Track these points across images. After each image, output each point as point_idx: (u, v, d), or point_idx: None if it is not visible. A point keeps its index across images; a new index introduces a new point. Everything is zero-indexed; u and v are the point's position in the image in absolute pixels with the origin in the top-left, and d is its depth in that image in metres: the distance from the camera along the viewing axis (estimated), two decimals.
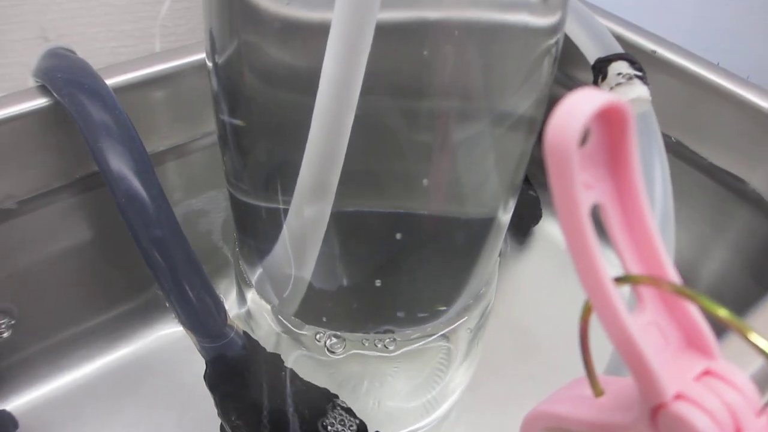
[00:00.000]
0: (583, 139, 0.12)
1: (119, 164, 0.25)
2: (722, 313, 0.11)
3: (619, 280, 0.12)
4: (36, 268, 0.32)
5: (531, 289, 0.39)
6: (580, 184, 0.11)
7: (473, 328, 0.28)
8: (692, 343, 0.13)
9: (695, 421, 0.11)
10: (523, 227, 0.42)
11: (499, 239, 0.26)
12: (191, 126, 0.34)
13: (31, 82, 0.29)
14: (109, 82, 0.29)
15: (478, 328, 0.29)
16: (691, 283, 0.38)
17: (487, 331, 0.30)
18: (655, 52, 0.35)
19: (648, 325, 0.13)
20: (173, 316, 0.24)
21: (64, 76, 0.27)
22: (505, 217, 0.26)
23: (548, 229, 0.43)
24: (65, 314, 0.34)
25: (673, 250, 0.18)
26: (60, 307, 0.34)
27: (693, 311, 0.13)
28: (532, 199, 0.42)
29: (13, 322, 0.32)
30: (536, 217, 0.42)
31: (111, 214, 0.33)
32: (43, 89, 0.28)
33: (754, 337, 0.11)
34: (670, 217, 0.19)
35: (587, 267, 0.12)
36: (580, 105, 0.11)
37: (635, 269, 0.13)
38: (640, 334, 0.12)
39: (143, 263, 0.24)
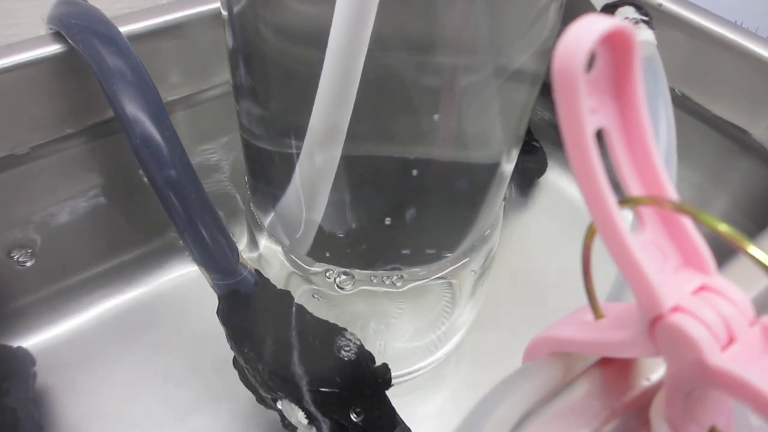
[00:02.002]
0: (589, 65, 0.12)
1: (133, 107, 0.25)
2: (722, 227, 0.12)
3: (622, 202, 0.13)
4: (50, 213, 0.33)
5: (535, 237, 0.40)
6: (585, 108, 0.12)
7: (478, 269, 0.29)
8: (690, 261, 0.13)
9: (691, 330, 0.12)
10: (527, 179, 0.43)
11: (502, 186, 0.27)
12: (201, 77, 0.34)
13: (44, 31, 0.29)
14: (122, 30, 0.29)
15: (482, 271, 0.29)
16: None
17: (491, 275, 0.31)
18: (661, 5, 0.35)
19: (648, 244, 0.13)
20: (187, 255, 0.25)
21: (78, 23, 0.27)
22: (509, 166, 0.26)
23: (552, 181, 0.43)
24: (80, 257, 0.35)
25: (674, 184, 0.19)
26: (75, 251, 0.34)
27: (691, 231, 0.13)
28: (537, 152, 0.42)
29: (31, 252, 0.33)
30: (541, 169, 0.43)
31: (124, 161, 0.33)
32: (57, 36, 0.29)
33: (753, 250, 0.12)
34: (673, 156, 0.19)
35: (591, 188, 0.12)
36: (587, 30, 0.11)
37: (637, 192, 0.13)
38: (641, 252, 0.12)
39: (155, 209, 0.25)
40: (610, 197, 0.12)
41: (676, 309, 0.12)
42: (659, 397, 0.14)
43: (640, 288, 0.12)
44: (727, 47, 0.33)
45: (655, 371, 0.15)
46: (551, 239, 0.40)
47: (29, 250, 0.33)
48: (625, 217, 0.13)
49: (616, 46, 0.12)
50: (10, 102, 0.29)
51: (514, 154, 0.26)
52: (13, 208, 0.32)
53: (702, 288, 0.13)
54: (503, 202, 0.29)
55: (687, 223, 0.13)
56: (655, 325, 0.13)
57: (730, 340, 0.12)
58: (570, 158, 0.12)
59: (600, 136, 0.13)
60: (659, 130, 0.19)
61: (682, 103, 0.36)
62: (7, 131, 0.29)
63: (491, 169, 0.25)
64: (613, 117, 0.13)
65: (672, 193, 0.13)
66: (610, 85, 0.13)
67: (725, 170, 0.36)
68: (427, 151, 0.23)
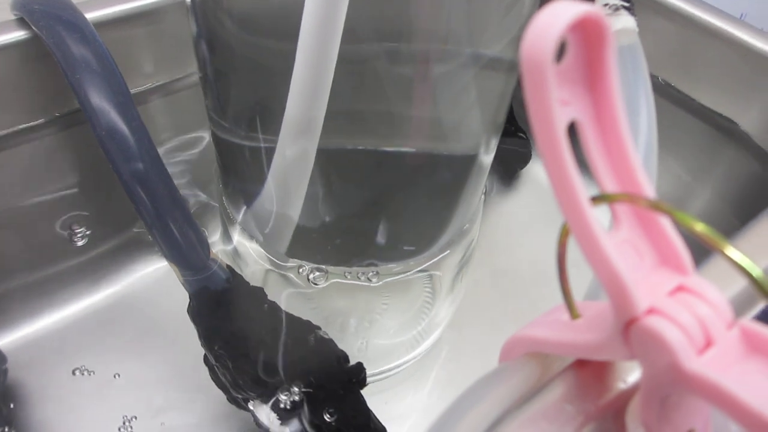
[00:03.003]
0: (560, 54, 0.12)
1: (98, 97, 0.24)
2: (699, 227, 0.11)
3: (596, 199, 0.12)
4: (18, 205, 0.32)
5: (516, 229, 0.40)
6: (556, 100, 0.11)
7: (457, 263, 0.28)
8: (667, 260, 0.13)
9: (665, 334, 0.11)
10: (510, 170, 0.42)
11: (481, 179, 0.26)
12: (175, 65, 0.34)
13: (9, 16, 0.28)
14: (89, 17, 0.28)
15: (462, 264, 0.29)
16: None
17: (471, 268, 0.31)
18: None
19: (623, 243, 0.13)
20: (156, 250, 0.25)
21: (42, 9, 0.26)
22: (487, 157, 0.26)
23: (535, 172, 0.43)
24: (49, 252, 0.34)
25: (654, 181, 0.18)
26: (44, 246, 0.34)
27: (668, 229, 0.13)
28: (521, 142, 0.42)
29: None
30: (524, 161, 0.42)
31: (93, 153, 0.33)
32: (21, 22, 0.28)
33: (730, 251, 0.11)
34: (653, 148, 0.19)
35: (562, 184, 0.12)
36: (556, 16, 0.10)
37: (612, 188, 0.13)
38: (614, 251, 0.12)
39: (125, 202, 0.24)
40: (582, 194, 0.12)
41: (651, 311, 0.12)
42: (635, 400, 0.14)
43: (613, 289, 0.12)
44: (714, 35, 0.33)
45: (631, 374, 0.15)
46: (533, 232, 0.39)
47: None
48: (598, 214, 0.12)
49: (588, 34, 0.11)
50: None
51: (493, 144, 0.25)
52: None
53: (678, 289, 0.12)
54: (483, 196, 0.28)
55: (664, 221, 0.13)
56: (629, 328, 0.12)
57: (707, 344, 0.12)
58: (540, 152, 0.12)
59: (573, 129, 0.13)
60: (639, 122, 0.19)
61: (667, 92, 0.36)
62: None
63: (469, 161, 0.24)
64: (587, 109, 0.12)
65: (648, 190, 0.12)
66: (582, 75, 0.12)
67: (710, 161, 0.36)
68: (403, 143, 0.22)
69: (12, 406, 0.30)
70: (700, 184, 0.37)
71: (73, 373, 0.32)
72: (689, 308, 0.12)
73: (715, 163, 0.36)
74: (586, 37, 0.11)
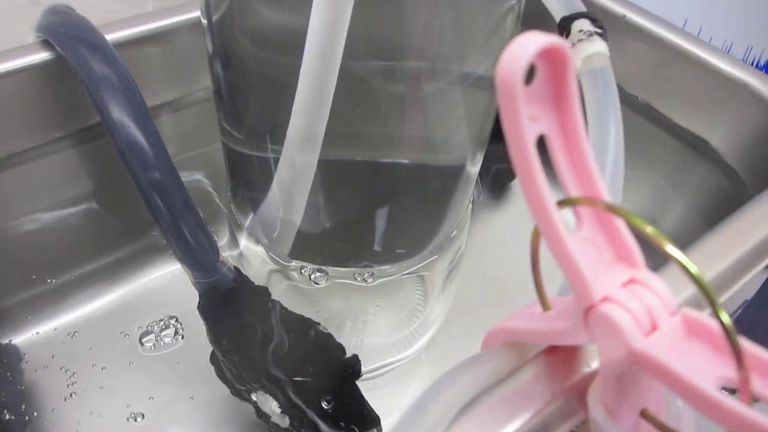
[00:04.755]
0: (530, 77, 0.13)
1: (119, 113, 0.26)
2: (648, 229, 0.13)
3: (561, 203, 0.14)
4: (38, 213, 0.33)
5: (504, 239, 0.41)
6: (525, 116, 0.13)
7: (446, 267, 0.30)
8: (622, 256, 0.14)
9: (617, 319, 0.13)
10: (499, 182, 0.44)
11: (468, 188, 0.28)
12: (185, 82, 0.35)
13: (32, 39, 0.30)
14: (107, 38, 0.30)
15: (450, 269, 0.30)
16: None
17: (460, 275, 0.32)
18: (624, 16, 0.36)
19: (584, 241, 0.14)
20: (170, 253, 0.26)
21: (66, 31, 0.28)
22: (474, 168, 0.27)
23: None
24: (67, 256, 0.35)
25: (620, 190, 0.20)
26: (62, 250, 0.35)
27: (623, 230, 0.14)
28: (508, 156, 0.43)
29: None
30: (512, 175, 0.44)
31: (110, 164, 0.34)
32: (45, 44, 0.29)
33: (670, 249, 0.13)
34: (620, 162, 0.20)
35: (532, 189, 0.13)
36: (525, 45, 0.12)
37: (575, 193, 0.14)
38: (576, 248, 0.13)
39: (140, 209, 0.26)
40: (549, 198, 0.13)
41: (605, 299, 0.13)
42: (596, 382, 0.15)
43: (575, 280, 0.13)
44: (686, 58, 0.34)
45: (595, 360, 0.16)
46: (520, 240, 0.41)
47: (18, 249, 0.34)
48: (564, 217, 0.13)
49: (553, 60, 0.13)
50: (0, 107, 0.29)
51: (479, 157, 0.27)
52: (2, 208, 0.32)
53: (631, 281, 0.14)
54: (470, 204, 0.30)
55: (620, 222, 0.14)
56: (588, 314, 0.14)
57: (653, 328, 0.13)
58: (513, 162, 0.13)
59: (543, 142, 0.14)
60: (609, 140, 0.20)
61: (645, 111, 0.38)
62: None
63: (457, 172, 0.26)
64: (553, 124, 0.14)
65: (605, 194, 0.14)
66: (549, 95, 0.14)
67: (684, 175, 0.38)
68: (396, 155, 0.24)
69: (24, 407, 0.31)
70: (676, 196, 0.39)
71: (87, 370, 0.33)
72: (638, 297, 0.13)
73: (688, 177, 0.37)
74: (552, 62, 0.13)
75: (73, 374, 0.33)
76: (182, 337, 0.34)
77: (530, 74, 0.13)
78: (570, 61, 0.13)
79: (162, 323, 0.35)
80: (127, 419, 0.31)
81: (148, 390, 0.32)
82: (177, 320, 0.35)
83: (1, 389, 0.30)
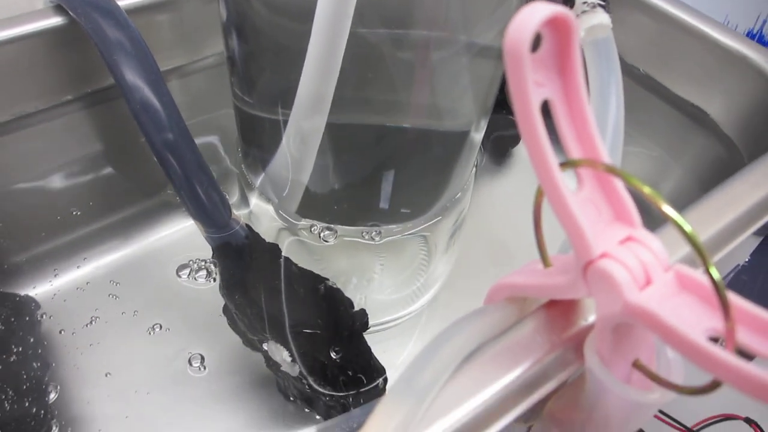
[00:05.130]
0: (536, 45, 0.14)
1: (133, 76, 0.26)
2: (645, 189, 0.14)
3: (563, 165, 0.15)
4: (53, 172, 0.34)
5: (506, 202, 0.42)
6: (531, 82, 0.13)
7: (449, 228, 0.31)
8: (620, 216, 0.15)
9: (614, 273, 0.14)
10: (501, 148, 0.44)
11: (472, 153, 0.28)
12: (193, 48, 0.35)
13: (41, 5, 0.30)
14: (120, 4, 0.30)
15: (454, 230, 0.31)
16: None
17: (463, 236, 0.33)
18: None
19: (585, 201, 0.15)
20: (183, 210, 0.27)
21: None
22: (478, 134, 0.28)
23: (525, 151, 0.45)
24: (82, 214, 0.36)
25: (620, 154, 0.21)
26: (76, 208, 0.36)
27: (622, 190, 0.15)
28: (511, 123, 0.44)
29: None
30: (515, 140, 0.44)
31: (121, 125, 0.35)
32: (58, 9, 0.29)
33: (666, 208, 0.13)
34: (620, 128, 0.21)
35: (536, 151, 0.14)
36: (532, 14, 0.13)
37: (577, 156, 0.15)
38: (577, 206, 0.14)
39: (151, 169, 0.26)
40: (552, 159, 0.14)
41: (603, 255, 0.14)
42: (592, 334, 0.16)
43: (575, 237, 0.14)
44: (687, 31, 0.35)
45: (591, 314, 0.17)
46: (521, 205, 0.41)
47: (34, 207, 0.34)
48: (566, 178, 0.14)
49: (558, 29, 0.13)
50: (15, 70, 0.30)
51: (483, 124, 0.28)
52: (17, 168, 0.33)
53: (628, 239, 0.14)
54: (474, 169, 0.31)
55: (618, 183, 0.15)
56: (587, 269, 0.14)
57: (647, 282, 0.14)
58: (519, 126, 0.14)
59: (547, 108, 0.15)
60: (610, 107, 0.21)
61: (645, 82, 0.38)
62: (11, 97, 0.31)
63: (461, 138, 0.26)
64: (557, 90, 0.14)
65: (605, 157, 0.14)
66: (554, 62, 0.14)
67: (682, 144, 0.38)
68: (403, 120, 0.24)
69: (43, 354, 0.32)
70: (674, 164, 0.39)
71: (101, 321, 0.34)
72: (634, 254, 0.14)
73: (686, 146, 0.38)
74: (557, 31, 0.13)
75: (89, 325, 0.34)
76: (194, 290, 0.35)
77: (536, 42, 0.14)
78: (574, 30, 0.13)
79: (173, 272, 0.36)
80: (144, 368, 0.32)
81: (161, 340, 0.33)
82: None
83: (20, 340, 0.31)
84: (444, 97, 0.24)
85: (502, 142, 0.44)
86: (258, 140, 0.28)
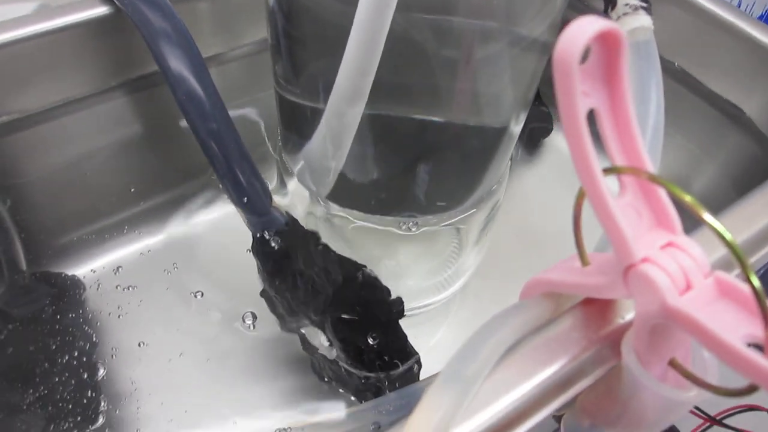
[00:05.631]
0: (585, 57, 0.14)
1: (179, 66, 0.27)
2: (687, 198, 0.14)
3: (607, 170, 0.15)
4: (98, 155, 0.35)
5: (537, 193, 0.42)
6: (579, 92, 0.14)
7: (483, 220, 0.31)
8: (661, 222, 0.15)
9: (655, 278, 0.14)
10: (534, 139, 0.45)
11: (510, 146, 0.29)
12: (231, 37, 0.36)
13: None
14: None
15: (487, 221, 0.32)
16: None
17: (495, 227, 0.33)
18: None
19: (627, 206, 0.15)
20: (226, 197, 0.27)
21: None
22: (516, 128, 0.28)
23: (557, 142, 0.45)
24: (125, 197, 0.37)
25: (659, 157, 0.21)
26: (120, 191, 0.37)
27: (663, 197, 0.15)
28: (543, 115, 0.44)
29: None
30: (546, 131, 0.44)
31: (162, 111, 0.36)
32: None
33: (707, 217, 0.14)
34: (660, 130, 0.21)
35: (581, 158, 0.14)
36: (583, 29, 0.13)
37: (620, 163, 0.15)
38: (619, 212, 0.14)
39: (192, 153, 0.27)
40: (596, 166, 0.14)
41: (645, 260, 0.14)
42: (630, 332, 0.17)
43: (617, 241, 0.15)
44: (725, 27, 0.34)
45: (628, 312, 0.18)
46: (552, 195, 0.42)
47: (78, 189, 0.35)
48: (609, 183, 0.15)
49: (607, 43, 0.14)
50: (64, 57, 0.31)
51: (522, 117, 0.28)
52: (63, 151, 0.34)
53: (669, 244, 0.15)
54: (510, 161, 0.31)
55: (660, 191, 0.15)
56: (628, 272, 0.15)
57: (687, 287, 0.14)
58: (565, 133, 0.14)
59: (592, 116, 0.15)
60: (649, 109, 0.21)
61: (681, 78, 0.38)
62: (59, 83, 0.32)
63: (500, 131, 0.27)
64: (603, 100, 0.15)
65: (649, 165, 0.15)
66: (601, 73, 0.15)
67: (717, 142, 0.38)
68: (443, 113, 0.25)
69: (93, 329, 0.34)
70: (707, 162, 0.39)
71: (143, 301, 0.35)
72: (675, 259, 0.14)
73: (721, 144, 0.38)
74: (606, 45, 0.14)
75: (132, 305, 0.35)
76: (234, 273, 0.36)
77: (584, 53, 0.14)
78: (623, 45, 0.14)
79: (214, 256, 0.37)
80: (183, 345, 0.34)
81: (201, 320, 0.34)
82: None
83: (67, 316, 0.32)
84: (486, 90, 0.24)
85: (533, 133, 0.45)
86: (299, 127, 0.29)
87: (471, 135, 0.26)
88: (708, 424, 0.40)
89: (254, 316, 0.34)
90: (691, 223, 0.18)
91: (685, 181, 0.40)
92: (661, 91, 0.21)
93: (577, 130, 0.14)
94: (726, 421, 0.38)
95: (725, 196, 0.38)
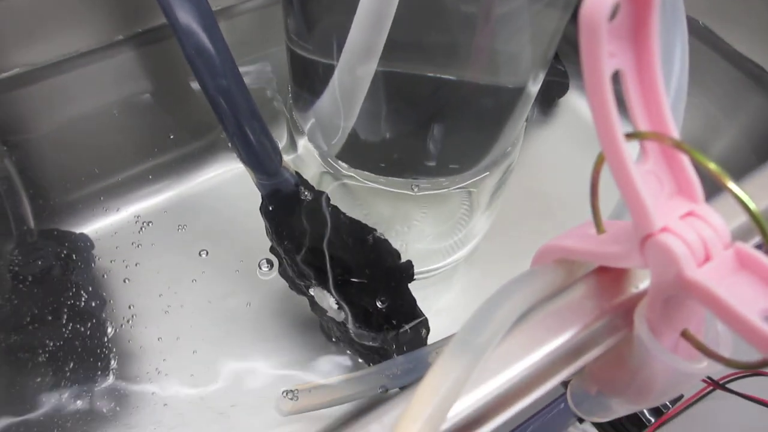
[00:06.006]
0: (613, 14, 0.14)
1: (188, 20, 0.26)
2: (711, 165, 0.13)
3: (629, 135, 0.14)
4: (105, 112, 0.35)
5: (551, 155, 0.42)
6: (605, 52, 0.13)
7: (496, 183, 0.31)
8: (682, 190, 0.15)
9: (674, 248, 0.14)
10: (549, 98, 0.44)
11: (526, 107, 0.28)
12: None
13: None
14: None
15: (500, 184, 0.31)
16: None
17: (507, 189, 0.33)
18: None
19: (648, 173, 0.15)
20: (235, 156, 0.27)
21: None
22: (535, 87, 0.27)
23: (573, 102, 0.44)
24: (132, 154, 0.37)
25: (681, 120, 0.20)
26: (127, 148, 0.36)
27: (686, 165, 0.15)
28: (560, 73, 0.43)
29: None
30: (563, 90, 0.43)
31: (170, 66, 0.35)
32: None
33: (731, 185, 0.13)
34: (683, 90, 0.20)
35: (603, 121, 0.14)
36: None
37: (644, 128, 0.15)
38: (639, 179, 0.14)
39: (201, 110, 0.27)
40: (618, 130, 0.14)
41: (664, 229, 0.14)
42: (643, 302, 0.16)
43: (636, 210, 0.14)
44: None
45: (642, 281, 0.17)
46: (566, 158, 0.41)
47: (86, 146, 0.35)
48: (630, 148, 0.14)
49: (637, 0, 0.13)
50: (67, 10, 0.30)
51: (541, 76, 0.27)
52: (69, 107, 0.33)
53: (689, 214, 0.14)
54: (525, 123, 0.30)
55: (683, 158, 0.15)
56: (645, 242, 0.14)
57: (707, 259, 0.14)
58: (587, 95, 0.14)
59: (616, 77, 0.14)
60: (674, 65, 0.20)
61: (704, 36, 0.37)
62: (64, 37, 0.31)
63: (517, 91, 0.26)
64: (630, 61, 0.14)
65: (674, 131, 0.14)
66: (629, 33, 0.14)
67: (739, 103, 0.37)
68: (459, 71, 0.24)
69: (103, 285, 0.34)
70: (728, 124, 0.38)
71: (151, 259, 0.35)
72: (695, 230, 0.14)
73: (743, 106, 0.37)
74: (635, 3, 0.13)
75: (140, 263, 0.35)
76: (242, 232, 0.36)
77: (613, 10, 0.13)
78: (654, 2, 0.13)
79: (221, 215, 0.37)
80: (189, 302, 0.34)
81: (209, 280, 0.34)
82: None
83: (77, 273, 0.32)
84: (505, 48, 0.24)
85: (548, 91, 0.44)
86: (310, 84, 0.28)
87: (487, 94, 0.25)
88: (711, 388, 0.40)
89: (265, 268, 0.34)
90: (710, 189, 0.17)
91: (704, 142, 0.40)
92: (686, 50, 0.21)
93: (601, 94, 0.13)
94: (729, 386, 0.38)
95: (745, 161, 0.37)
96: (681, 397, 0.59)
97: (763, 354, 0.13)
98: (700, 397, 0.61)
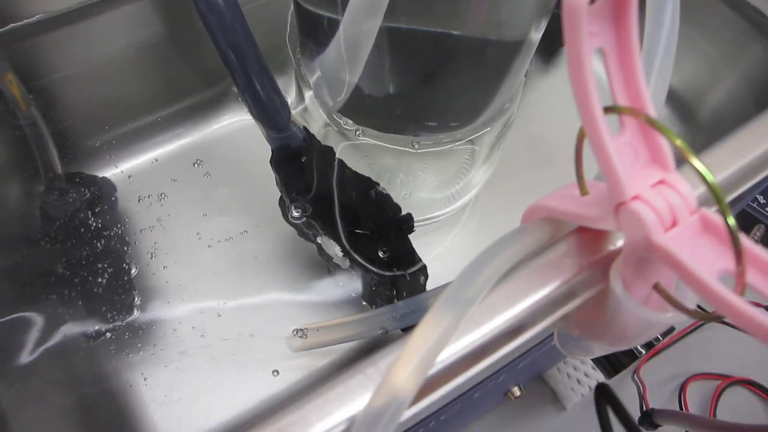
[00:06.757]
0: None
1: None
2: (677, 141, 0.15)
3: (608, 109, 0.16)
4: (118, 58, 0.36)
5: (551, 106, 0.42)
6: (586, 32, 0.14)
7: (496, 136, 0.32)
8: (656, 159, 0.16)
9: (643, 215, 0.15)
10: (551, 46, 0.44)
11: (527, 58, 0.28)
12: None
13: None
14: None
15: (499, 137, 0.32)
16: (697, 107, 0.40)
17: (507, 140, 0.34)
18: None
19: (624, 145, 0.16)
20: (246, 110, 0.28)
21: None
22: (537, 35, 0.27)
23: None
24: (147, 102, 0.38)
25: (667, 86, 0.21)
26: (142, 96, 0.37)
27: (660, 136, 0.16)
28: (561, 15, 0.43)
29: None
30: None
31: (184, 13, 0.35)
32: None
33: (694, 161, 0.14)
34: (671, 54, 0.21)
35: (583, 96, 0.15)
36: None
37: (622, 103, 0.16)
38: (615, 151, 0.15)
39: (214, 58, 0.27)
40: (597, 105, 0.15)
41: (636, 197, 0.15)
42: (618, 259, 0.18)
43: (611, 179, 0.15)
44: None
45: (619, 240, 0.19)
46: (566, 108, 0.42)
47: (105, 93, 0.36)
48: (608, 121, 0.15)
49: None
50: None
51: (543, 24, 0.27)
52: (87, 55, 0.34)
53: (660, 182, 0.16)
54: (524, 78, 0.31)
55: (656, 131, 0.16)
56: (619, 209, 0.16)
57: (673, 224, 0.15)
58: (569, 71, 0.15)
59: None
60: (662, 32, 0.21)
61: None
62: None
63: (518, 43, 0.26)
64: (610, 41, 0.15)
65: (649, 107, 0.15)
66: (610, 14, 0.15)
67: (738, 50, 0.37)
68: (461, 22, 0.24)
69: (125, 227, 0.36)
70: (728, 70, 0.38)
71: (169, 203, 0.37)
72: (664, 197, 0.15)
73: (743, 53, 0.37)
74: None
75: (158, 207, 0.36)
76: (253, 181, 0.37)
77: None
78: None
79: (234, 163, 0.38)
80: (206, 244, 0.35)
81: (222, 224, 0.36)
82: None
83: (102, 216, 0.34)
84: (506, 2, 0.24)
85: (552, 38, 0.43)
86: (315, 38, 0.28)
87: (488, 43, 0.26)
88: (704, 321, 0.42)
89: (274, 223, 0.36)
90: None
91: (703, 90, 0.40)
92: (678, 13, 0.21)
93: (581, 72, 0.14)
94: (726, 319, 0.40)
95: (743, 109, 0.38)
96: (673, 329, 0.61)
97: (716, 309, 0.14)
98: (694, 328, 0.64)
